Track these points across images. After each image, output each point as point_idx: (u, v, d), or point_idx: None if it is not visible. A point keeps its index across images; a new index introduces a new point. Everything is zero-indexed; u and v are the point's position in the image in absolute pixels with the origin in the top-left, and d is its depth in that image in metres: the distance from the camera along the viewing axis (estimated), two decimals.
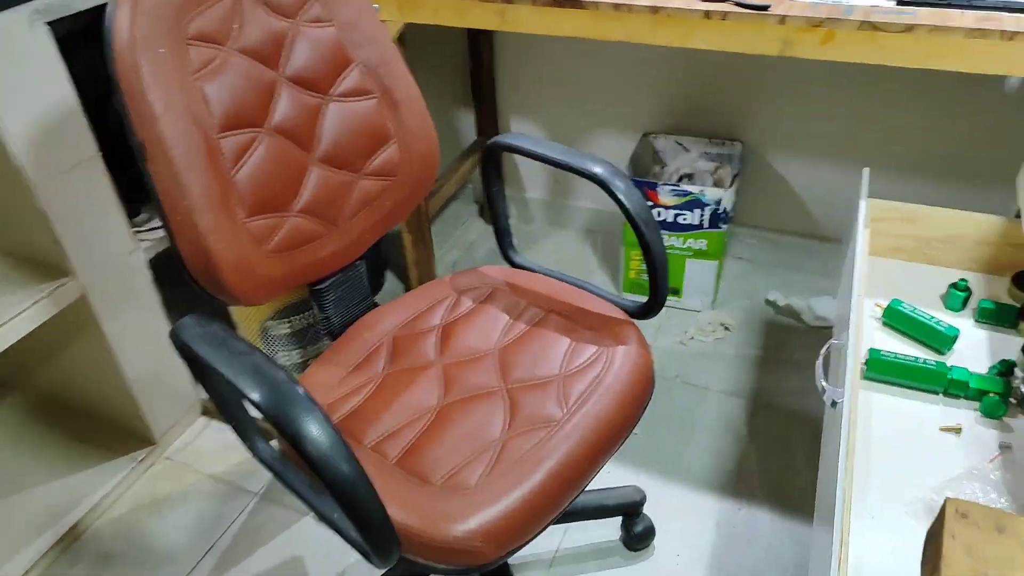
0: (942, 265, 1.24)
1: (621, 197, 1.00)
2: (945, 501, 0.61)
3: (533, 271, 1.20)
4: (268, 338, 1.34)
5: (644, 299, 1.07)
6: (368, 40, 1.01)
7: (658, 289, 1.04)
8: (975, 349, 1.10)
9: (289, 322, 1.32)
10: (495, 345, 1.06)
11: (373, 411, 0.97)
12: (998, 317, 1.12)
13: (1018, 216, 1.16)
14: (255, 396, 0.71)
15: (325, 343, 1.37)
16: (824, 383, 0.92)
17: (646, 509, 1.37)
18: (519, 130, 2.04)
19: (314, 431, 0.69)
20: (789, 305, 1.78)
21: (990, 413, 0.99)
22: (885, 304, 1.15)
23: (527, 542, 0.88)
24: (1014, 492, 0.89)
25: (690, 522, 1.36)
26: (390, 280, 1.98)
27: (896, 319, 1.12)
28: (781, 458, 1.45)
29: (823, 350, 0.99)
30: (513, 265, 1.22)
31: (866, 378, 1.06)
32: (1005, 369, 1.04)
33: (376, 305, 1.17)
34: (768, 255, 1.94)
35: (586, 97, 1.90)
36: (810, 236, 1.88)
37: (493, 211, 1.20)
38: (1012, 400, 1.00)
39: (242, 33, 0.88)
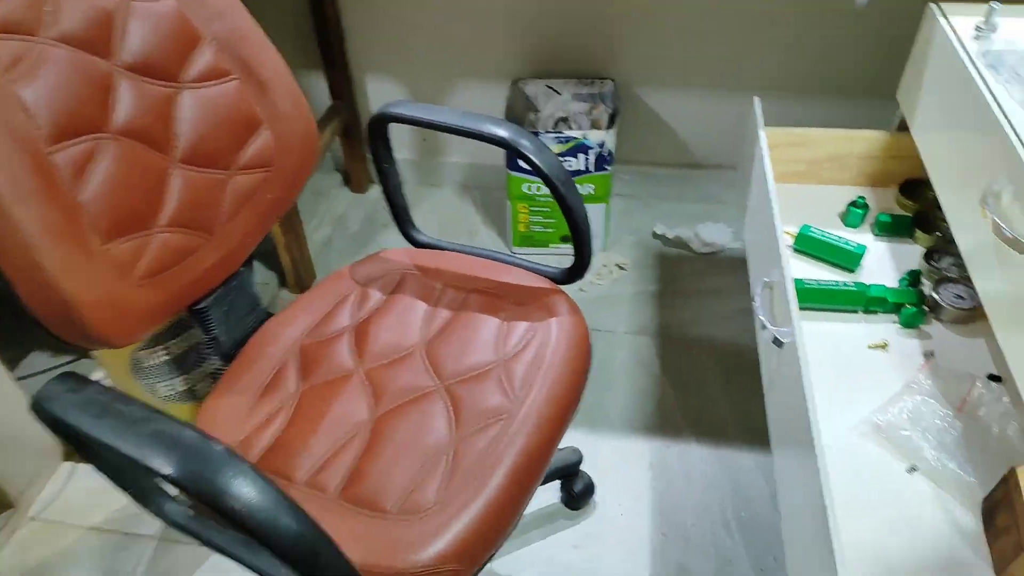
0: (834, 184, 1.27)
1: (533, 158, 0.92)
2: (1010, 471, 0.62)
3: (441, 248, 1.10)
4: (142, 371, 1.15)
5: (546, 260, 1.01)
6: (217, 11, 0.84)
7: (583, 249, 0.98)
8: (880, 263, 1.14)
9: (165, 348, 1.15)
10: (419, 338, 0.96)
11: (298, 439, 0.85)
12: (895, 229, 1.16)
13: (900, 129, 1.20)
14: (168, 471, 0.58)
15: (213, 364, 1.21)
16: (768, 323, 0.90)
17: (582, 465, 1.34)
18: (377, 90, 1.88)
19: (251, 498, 0.58)
20: (677, 236, 1.79)
21: (909, 324, 1.03)
22: (794, 231, 1.16)
23: (502, 545, 0.81)
24: (948, 397, 0.93)
25: (626, 470, 1.35)
26: (260, 272, 1.79)
27: (807, 244, 1.14)
28: (697, 390, 1.47)
29: (758, 290, 0.97)
30: (417, 245, 1.12)
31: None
32: (913, 279, 1.08)
33: (269, 314, 1.03)
34: (648, 189, 1.94)
35: (447, 46, 1.77)
36: (685, 166, 1.89)
37: (387, 189, 1.07)
38: (926, 308, 1.04)
39: (58, 17, 0.70)
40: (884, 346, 1.00)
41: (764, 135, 1.13)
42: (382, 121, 0.99)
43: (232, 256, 0.92)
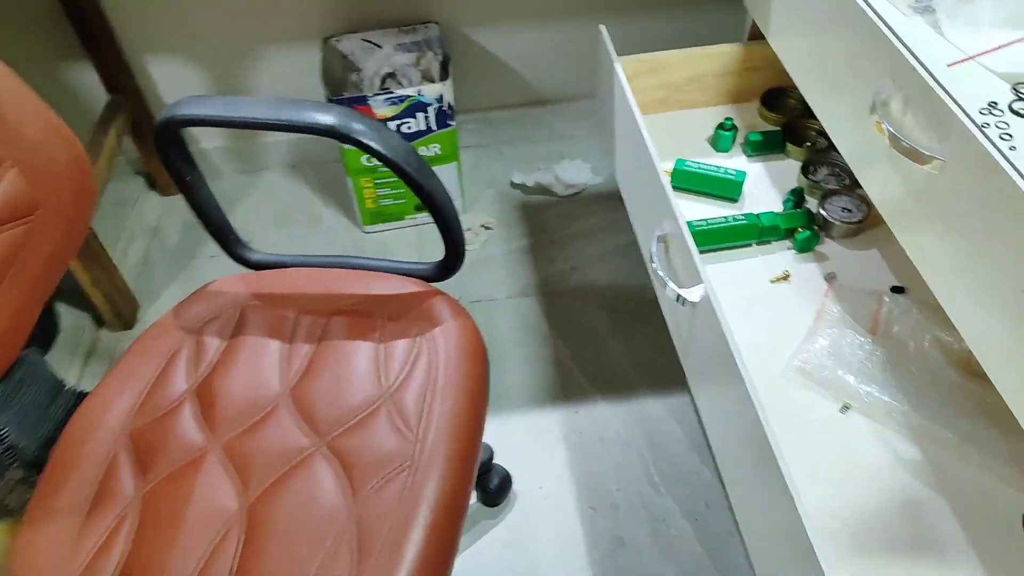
0: (696, 107, 1.19)
1: (374, 145, 0.75)
2: None
3: (284, 265, 0.91)
4: None
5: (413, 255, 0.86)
6: None
7: (454, 238, 0.83)
8: (759, 185, 1.07)
9: None
10: (280, 387, 0.79)
11: (153, 560, 0.67)
12: (767, 146, 1.10)
13: (753, 38, 1.12)
14: None
15: (15, 475, 0.97)
16: (671, 284, 0.81)
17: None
18: (161, 76, 1.58)
19: None
20: (537, 182, 1.67)
21: (805, 248, 0.97)
22: (668, 166, 1.07)
23: None
24: (860, 320, 0.89)
25: (539, 449, 1.26)
26: (67, 316, 1.50)
27: (685, 180, 1.05)
28: (591, 342, 1.39)
29: (652, 248, 0.87)
30: (252, 266, 0.92)
31: None
32: (797, 199, 1.02)
33: (81, 395, 0.81)
34: (496, 135, 1.80)
35: (237, 10, 1.51)
36: (530, 104, 1.77)
37: (196, 206, 0.87)
38: (816, 227, 0.99)
39: None
40: (786, 277, 0.94)
41: (621, 69, 1.01)
42: (170, 127, 0.77)
43: (7, 340, 0.69)
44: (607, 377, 1.34)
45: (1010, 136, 0.64)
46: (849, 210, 0.98)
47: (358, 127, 0.75)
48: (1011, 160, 0.62)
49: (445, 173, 1.54)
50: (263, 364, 0.81)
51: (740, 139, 1.13)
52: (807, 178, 1.05)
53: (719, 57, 1.13)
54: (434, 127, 1.45)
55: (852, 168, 0.84)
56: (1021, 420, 0.62)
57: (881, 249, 0.97)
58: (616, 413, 1.29)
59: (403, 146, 0.77)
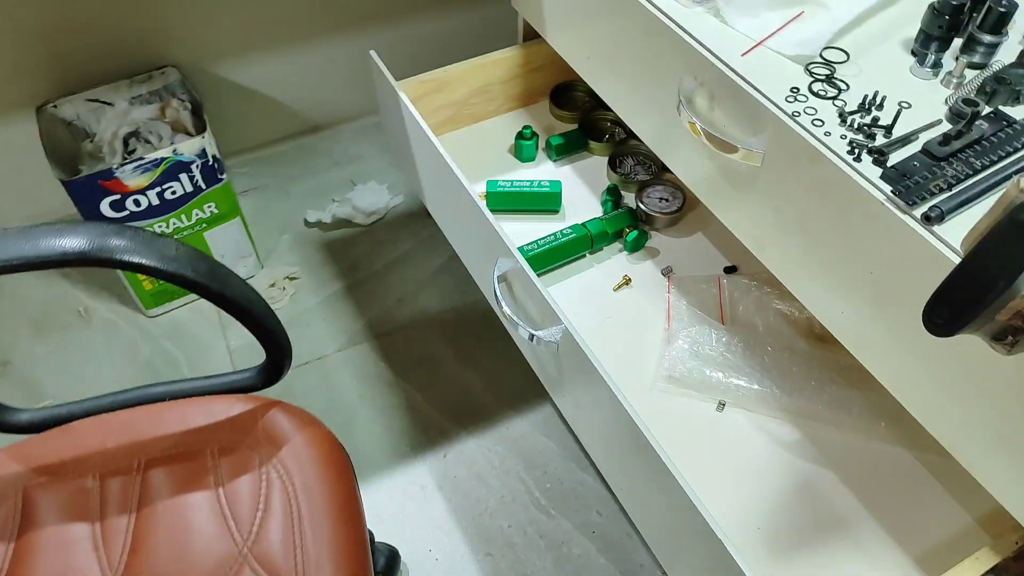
0: (488, 119, 1.14)
1: (146, 262, 0.61)
2: None
3: (65, 419, 0.73)
4: None
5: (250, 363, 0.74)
6: None
7: (276, 342, 0.71)
8: (574, 190, 1.05)
9: None
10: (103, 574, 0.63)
11: None
12: (570, 147, 1.08)
13: (528, 37, 1.08)
14: None
15: None
16: (524, 326, 0.75)
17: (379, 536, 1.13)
18: None
19: None
20: (335, 216, 1.54)
21: (637, 247, 0.96)
22: (479, 189, 1.01)
23: None
24: (707, 310, 0.89)
25: (416, 509, 1.17)
26: None
27: (501, 201, 1.00)
28: (436, 376, 1.31)
29: (496, 289, 0.81)
30: (23, 430, 0.73)
31: None
32: (615, 197, 1.01)
33: None
34: (276, 172, 1.63)
35: None
36: (304, 133, 1.63)
37: None
38: (641, 222, 0.98)
39: None
40: (628, 282, 0.93)
41: (406, 97, 0.93)
42: None
43: None
44: (465, 408, 1.27)
45: (822, 122, 0.65)
46: (666, 199, 0.99)
47: (118, 243, 0.60)
48: (829, 145, 0.63)
49: (229, 232, 1.37)
50: (73, 559, 0.64)
51: (542, 144, 1.09)
52: (616, 173, 1.04)
53: (502, 64, 1.08)
54: (203, 186, 1.27)
55: (664, 160, 0.83)
56: (877, 375, 0.64)
57: (705, 231, 0.98)
58: (484, 444, 1.23)
59: (184, 253, 0.63)
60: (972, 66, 0.67)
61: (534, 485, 1.19)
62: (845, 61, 0.71)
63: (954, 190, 0.58)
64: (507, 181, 0.99)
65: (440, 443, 1.23)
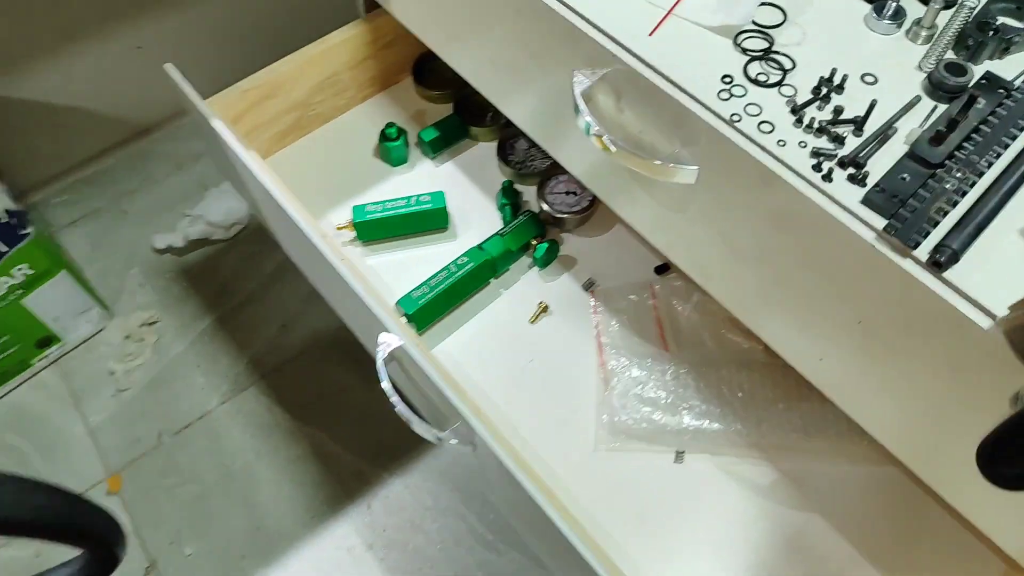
0: (341, 115, 0.92)
1: None
2: None
3: None
4: None
5: None
6: None
7: (100, 541, 0.52)
8: (462, 195, 0.86)
9: None
10: None
11: None
12: (448, 139, 0.88)
13: (371, 8, 0.86)
14: None
15: None
16: (426, 428, 0.58)
17: None
18: None
19: None
20: (187, 237, 1.30)
21: (549, 261, 0.79)
22: (345, 219, 0.81)
23: None
24: (644, 333, 0.74)
25: (354, 573, 1.02)
26: None
27: (374, 231, 0.80)
28: (343, 410, 1.13)
29: (382, 373, 0.63)
30: None
31: (421, 333, 0.75)
32: (512, 198, 0.83)
33: None
34: (104, 195, 1.36)
35: None
36: (130, 140, 1.35)
37: None
38: (549, 225, 0.81)
39: None
40: (545, 309, 0.76)
41: (222, 125, 0.71)
42: None
43: None
44: (383, 443, 1.10)
45: (771, 125, 0.48)
46: (573, 192, 0.81)
47: None
48: (785, 161, 0.47)
49: (55, 290, 1.11)
50: None
51: (413, 139, 0.89)
52: (509, 164, 0.85)
53: (345, 46, 0.86)
54: (4, 248, 1.01)
55: (567, 169, 0.65)
56: (866, 425, 0.52)
57: (620, 228, 0.82)
58: (412, 483, 1.08)
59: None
60: (948, 4, 0.51)
61: (476, 520, 1.05)
62: (782, 23, 0.54)
63: (960, 207, 0.43)
64: (377, 204, 0.79)
65: (361, 492, 1.07)
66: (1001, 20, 0.50)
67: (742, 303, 0.56)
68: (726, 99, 0.49)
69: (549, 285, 0.78)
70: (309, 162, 0.88)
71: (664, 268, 0.78)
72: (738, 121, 0.48)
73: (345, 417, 1.13)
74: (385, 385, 0.62)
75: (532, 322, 0.75)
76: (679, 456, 0.67)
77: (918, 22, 0.52)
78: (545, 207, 0.80)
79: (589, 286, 0.78)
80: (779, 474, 0.66)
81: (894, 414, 0.49)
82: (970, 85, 0.48)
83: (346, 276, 0.62)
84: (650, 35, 0.53)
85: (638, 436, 0.67)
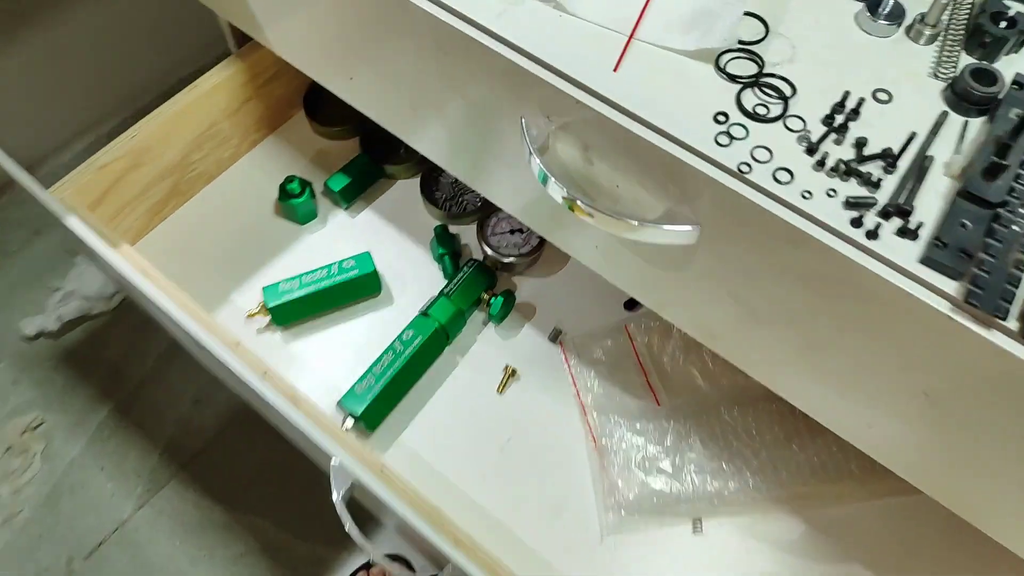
0: (226, 169, 0.77)
1: None
2: None
3: None
4: None
5: None
6: None
7: None
8: (393, 250, 0.73)
9: None
10: None
11: None
12: (360, 183, 0.75)
13: (244, 42, 0.71)
14: None
15: None
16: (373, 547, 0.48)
17: None
18: None
19: None
20: (61, 319, 1.11)
21: (506, 314, 0.69)
22: (255, 304, 0.68)
23: None
24: (630, 388, 0.65)
25: None
26: None
27: (293, 312, 0.67)
28: (280, 487, 1.01)
29: (340, 500, 0.51)
30: None
31: (372, 432, 0.63)
32: (451, 248, 0.71)
33: None
34: None
35: None
36: None
37: None
38: (498, 271, 0.71)
39: None
40: (513, 373, 0.66)
41: (78, 222, 0.56)
42: None
43: None
44: (339, 519, 0.98)
45: (789, 174, 0.39)
46: (518, 230, 0.71)
47: None
48: (816, 218, 0.38)
49: None
50: None
51: (319, 187, 0.75)
52: (437, 206, 0.74)
53: (220, 90, 0.71)
54: None
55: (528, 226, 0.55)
56: (922, 486, 0.45)
57: (573, 265, 0.72)
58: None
59: None
60: None
61: None
62: (764, 37, 0.45)
63: None
64: (292, 280, 0.66)
65: None
66: (1016, 9, 0.43)
67: (761, 365, 0.48)
68: (726, 144, 0.40)
69: (511, 343, 0.68)
70: (197, 235, 0.73)
71: (634, 303, 0.70)
72: (748, 172, 0.39)
73: (288, 495, 1.00)
74: (348, 521, 0.50)
75: (500, 391, 0.65)
76: (697, 525, 0.59)
77: (921, 19, 0.44)
78: (489, 251, 0.69)
79: (556, 336, 0.68)
80: (807, 525, 0.59)
81: (962, 485, 0.43)
82: (1000, 95, 0.41)
83: (272, 400, 0.49)
84: (615, 70, 0.43)
85: (648, 511, 0.59)
